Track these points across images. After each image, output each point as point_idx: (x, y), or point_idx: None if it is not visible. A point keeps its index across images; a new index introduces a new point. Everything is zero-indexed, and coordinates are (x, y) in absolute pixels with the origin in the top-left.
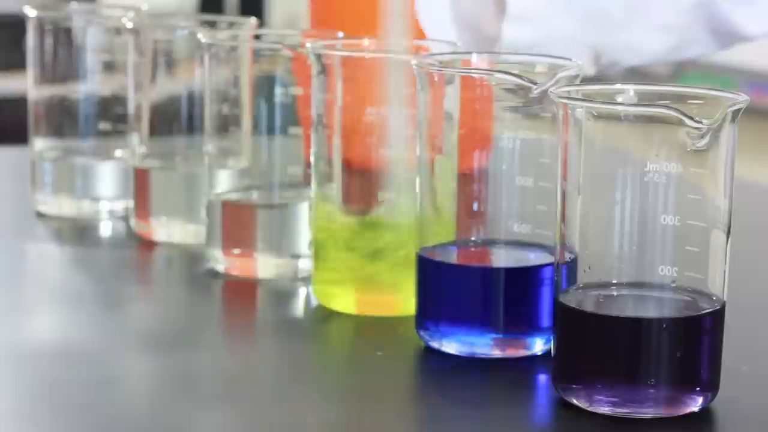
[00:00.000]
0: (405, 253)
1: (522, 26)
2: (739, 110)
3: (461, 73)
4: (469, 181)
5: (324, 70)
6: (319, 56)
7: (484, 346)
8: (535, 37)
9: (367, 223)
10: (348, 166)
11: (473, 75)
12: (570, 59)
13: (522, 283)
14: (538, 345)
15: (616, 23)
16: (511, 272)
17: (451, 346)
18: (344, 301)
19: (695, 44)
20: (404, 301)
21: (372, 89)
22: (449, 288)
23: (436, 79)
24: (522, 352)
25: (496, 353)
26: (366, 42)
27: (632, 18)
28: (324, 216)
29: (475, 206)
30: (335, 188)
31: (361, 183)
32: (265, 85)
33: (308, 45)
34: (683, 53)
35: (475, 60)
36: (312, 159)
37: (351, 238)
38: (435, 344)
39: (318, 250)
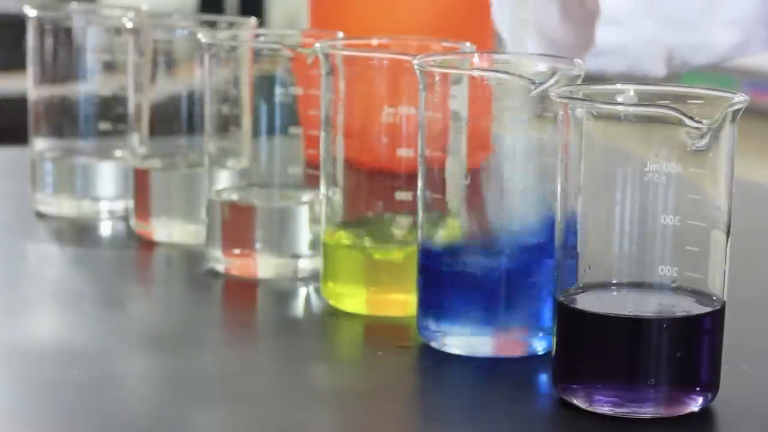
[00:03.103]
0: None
1: (613, 29)
2: (739, 110)
3: (461, 73)
4: (470, 181)
5: (333, 70)
6: (327, 56)
7: (485, 346)
8: (622, 40)
9: (378, 222)
10: (359, 166)
11: (473, 75)
12: (571, 59)
13: (524, 281)
14: (539, 345)
15: (690, 23)
16: (511, 272)
17: (452, 345)
18: (354, 301)
19: (757, 41)
20: (415, 301)
21: (386, 89)
22: (450, 287)
23: (437, 78)
24: (523, 352)
25: (498, 353)
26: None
27: (704, 17)
28: (333, 216)
29: (477, 207)
30: (344, 189)
31: (373, 184)
32: (265, 85)
33: (317, 45)
34: (746, 50)
35: (477, 60)
36: (321, 160)
37: (362, 238)
38: (436, 344)
39: (327, 250)
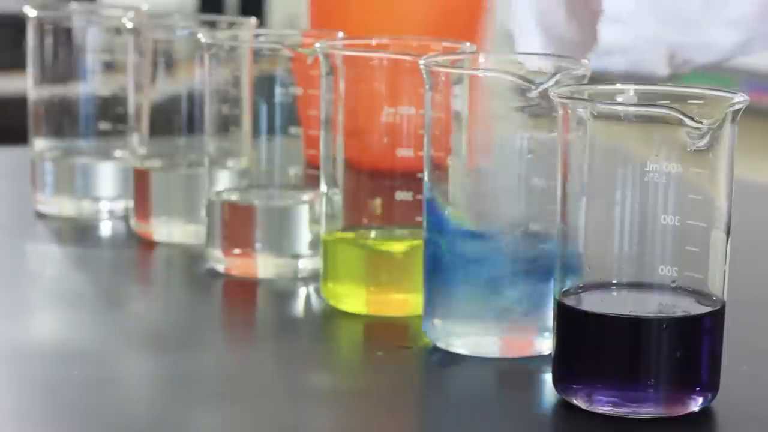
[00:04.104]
0: (416, 251)
1: (616, 28)
2: (739, 110)
3: (462, 73)
4: (476, 181)
5: (333, 70)
6: (327, 56)
7: (493, 346)
8: (625, 39)
9: (378, 223)
10: (359, 166)
11: (474, 74)
12: (577, 59)
13: (529, 281)
14: (545, 345)
15: (693, 22)
16: (517, 271)
17: (458, 346)
18: (354, 301)
19: (760, 39)
20: (415, 301)
21: (385, 89)
22: (457, 288)
23: (443, 78)
24: (529, 352)
25: (504, 353)
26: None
27: (706, 16)
28: (333, 216)
29: (482, 206)
30: (344, 189)
31: (373, 184)
32: (265, 85)
33: (317, 45)
34: (749, 49)
35: (482, 60)
36: (321, 160)
37: (362, 238)
38: (442, 344)
39: (327, 250)
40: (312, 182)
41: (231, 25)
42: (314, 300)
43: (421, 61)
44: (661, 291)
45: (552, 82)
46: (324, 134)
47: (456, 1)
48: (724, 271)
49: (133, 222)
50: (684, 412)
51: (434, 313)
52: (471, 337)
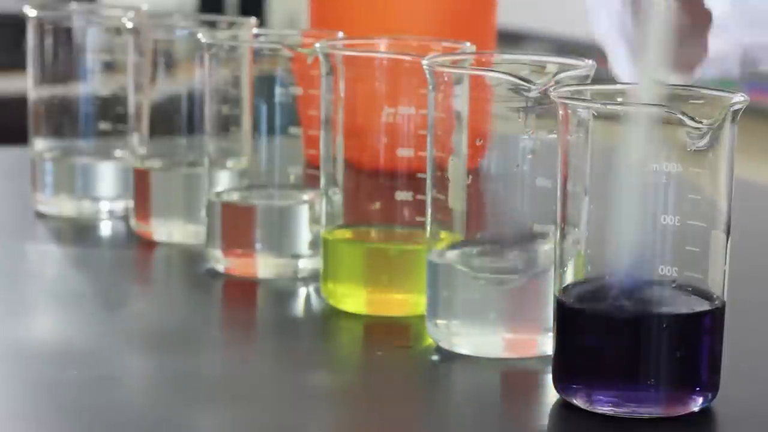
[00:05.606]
0: (416, 252)
1: (721, 37)
2: (739, 110)
3: (462, 73)
4: (477, 182)
5: (333, 70)
6: (327, 56)
7: (496, 346)
8: (728, 46)
9: (378, 222)
10: (359, 166)
11: (474, 74)
12: (580, 59)
13: (533, 281)
14: (550, 345)
15: (764, 21)
16: (520, 271)
17: (462, 346)
18: (354, 301)
19: None
20: (415, 301)
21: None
22: (461, 287)
23: (446, 78)
24: (533, 352)
25: (508, 354)
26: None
27: None
28: (333, 216)
29: (485, 206)
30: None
31: (373, 184)
32: (265, 85)
33: (317, 45)
34: None
35: (485, 60)
36: (321, 160)
37: (362, 238)
38: (445, 344)
39: (327, 250)
40: (312, 182)
41: (231, 25)
42: (314, 300)
43: (425, 62)
44: (661, 291)
45: (552, 82)
46: (324, 134)
47: (457, 2)
48: (724, 271)
49: (133, 222)
50: (684, 412)
51: (437, 314)
52: (474, 338)
